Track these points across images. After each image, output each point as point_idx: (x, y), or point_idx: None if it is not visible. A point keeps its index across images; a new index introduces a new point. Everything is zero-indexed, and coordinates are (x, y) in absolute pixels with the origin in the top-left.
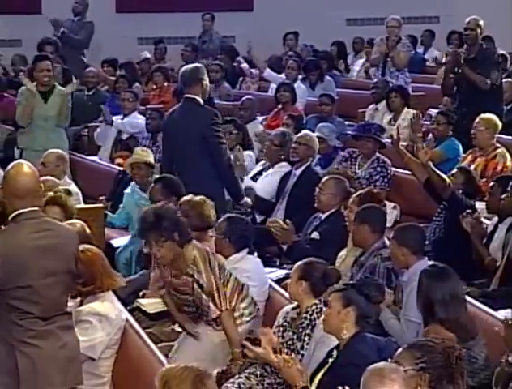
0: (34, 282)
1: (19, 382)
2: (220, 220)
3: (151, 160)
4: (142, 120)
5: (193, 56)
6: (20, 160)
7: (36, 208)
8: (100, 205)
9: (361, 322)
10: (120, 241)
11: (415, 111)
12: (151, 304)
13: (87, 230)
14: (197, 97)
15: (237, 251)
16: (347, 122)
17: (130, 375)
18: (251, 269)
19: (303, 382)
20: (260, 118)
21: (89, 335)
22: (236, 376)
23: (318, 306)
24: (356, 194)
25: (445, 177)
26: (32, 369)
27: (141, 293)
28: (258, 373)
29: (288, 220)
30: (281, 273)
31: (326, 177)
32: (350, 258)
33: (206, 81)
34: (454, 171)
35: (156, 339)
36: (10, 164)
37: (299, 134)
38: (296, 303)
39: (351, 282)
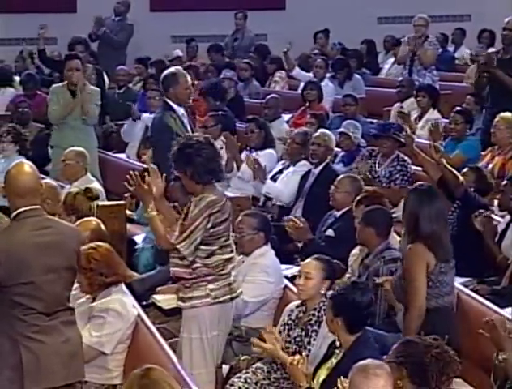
0: (36, 278)
1: (22, 376)
2: (241, 218)
3: None
4: None
5: (218, 57)
6: (21, 160)
7: (37, 206)
8: (122, 202)
9: (354, 328)
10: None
11: (439, 116)
12: (167, 300)
13: (103, 227)
14: (169, 101)
15: (264, 244)
16: (375, 121)
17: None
18: (271, 265)
19: (307, 382)
20: (288, 116)
21: (102, 331)
22: (244, 371)
23: (325, 303)
24: (360, 195)
25: (458, 175)
26: (36, 363)
27: (158, 289)
28: (265, 368)
29: (301, 218)
30: (296, 270)
31: (342, 176)
32: (361, 256)
33: (183, 85)
34: (465, 169)
35: (170, 334)
36: (12, 164)
37: (315, 134)
38: (300, 301)
39: (339, 289)
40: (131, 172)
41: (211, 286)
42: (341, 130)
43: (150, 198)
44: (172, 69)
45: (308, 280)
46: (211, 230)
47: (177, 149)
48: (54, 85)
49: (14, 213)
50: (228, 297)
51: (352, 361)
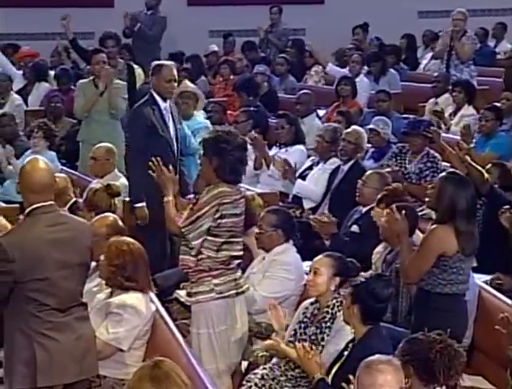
0: (51, 274)
1: (35, 372)
2: (263, 214)
3: (200, 92)
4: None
5: (253, 53)
6: (36, 156)
7: (52, 202)
8: None
9: (368, 319)
10: None
11: (474, 112)
12: None
13: (120, 223)
14: (154, 93)
15: (285, 242)
16: (409, 117)
17: None
18: (292, 263)
19: (320, 373)
20: (323, 112)
21: (119, 328)
22: (261, 367)
23: (338, 300)
24: (381, 193)
25: (484, 172)
26: (49, 360)
27: (181, 285)
28: (282, 364)
29: (326, 212)
30: None
31: (370, 171)
32: (385, 253)
33: (164, 78)
34: (489, 166)
35: None
36: (26, 160)
37: (347, 131)
38: (314, 298)
39: (363, 279)
40: (154, 159)
41: (215, 281)
42: (370, 126)
43: (171, 186)
44: (162, 61)
45: (317, 276)
46: (219, 220)
47: (213, 137)
48: (80, 80)
49: (29, 209)
50: (234, 291)
51: (362, 352)
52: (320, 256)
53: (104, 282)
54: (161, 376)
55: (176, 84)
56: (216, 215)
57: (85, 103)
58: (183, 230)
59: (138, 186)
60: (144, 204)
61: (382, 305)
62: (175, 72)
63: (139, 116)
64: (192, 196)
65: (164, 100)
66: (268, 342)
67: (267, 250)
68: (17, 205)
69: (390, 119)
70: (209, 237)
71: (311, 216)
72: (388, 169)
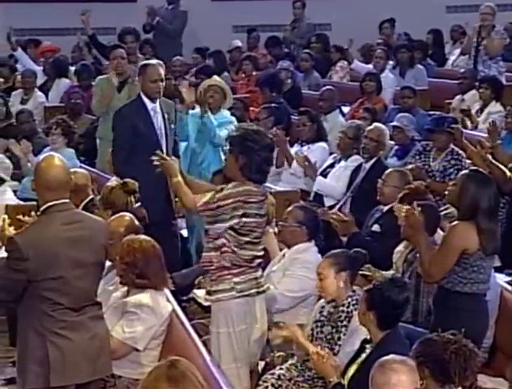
0: (65, 273)
1: (48, 371)
2: (290, 208)
3: (228, 88)
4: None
5: (277, 49)
6: (51, 153)
7: (67, 200)
8: None
9: (385, 325)
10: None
11: (501, 109)
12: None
13: (136, 223)
14: (142, 93)
15: (307, 241)
16: (438, 113)
17: None
18: (313, 262)
19: (337, 377)
20: (347, 109)
21: (135, 327)
22: (278, 367)
23: (354, 298)
24: (402, 192)
25: (506, 170)
26: (62, 360)
27: (197, 281)
28: (299, 365)
29: (346, 212)
30: None
31: (390, 170)
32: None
33: (149, 78)
34: (511, 164)
35: (208, 330)
36: (41, 157)
37: (369, 128)
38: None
39: (377, 283)
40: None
41: (235, 279)
42: (394, 123)
43: (174, 167)
44: (148, 61)
45: (322, 281)
46: (244, 219)
47: (241, 135)
48: (98, 77)
49: (44, 207)
50: (255, 290)
51: (380, 355)
52: (321, 260)
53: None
54: (178, 376)
55: (163, 84)
56: (239, 212)
57: (101, 99)
58: (200, 208)
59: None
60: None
61: (398, 311)
62: (161, 71)
63: (122, 117)
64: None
65: (152, 100)
66: (285, 332)
67: (288, 245)
68: (34, 203)
69: (414, 116)
70: (233, 234)
71: (331, 211)
72: (411, 167)
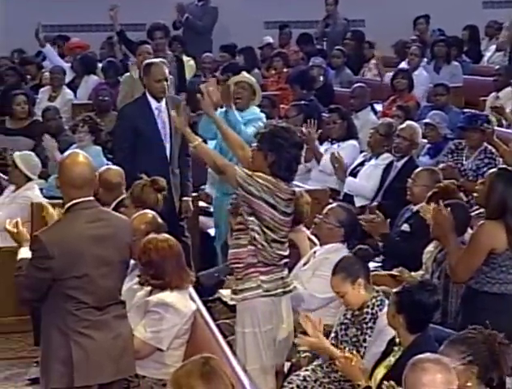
0: (89, 271)
1: (72, 371)
2: (333, 205)
3: (257, 84)
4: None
5: (308, 47)
6: (76, 150)
7: (92, 198)
8: (194, 194)
9: (415, 328)
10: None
11: None
12: None
13: (159, 220)
14: (147, 93)
15: (342, 242)
16: (472, 110)
17: None
18: None
19: (366, 381)
20: (379, 106)
21: (157, 327)
22: (303, 368)
23: (378, 299)
24: (431, 191)
25: None
26: (86, 359)
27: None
28: (325, 366)
29: (378, 212)
30: (372, 266)
31: (420, 168)
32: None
33: (154, 77)
34: None
35: (233, 330)
36: (65, 154)
37: (401, 126)
38: None
39: (407, 286)
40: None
41: (262, 277)
42: (426, 120)
43: (192, 137)
44: (152, 60)
45: (343, 298)
46: (273, 211)
47: (271, 132)
48: (125, 74)
49: (68, 205)
50: (281, 290)
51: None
52: (331, 277)
53: None
54: (211, 373)
55: (167, 83)
56: (270, 200)
57: (124, 95)
58: (237, 174)
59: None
60: None
61: (429, 315)
62: (165, 71)
63: (123, 117)
64: None
65: (157, 99)
66: (312, 340)
67: (321, 242)
68: (60, 201)
69: (447, 114)
70: (263, 228)
71: (361, 217)
72: (442, 165)
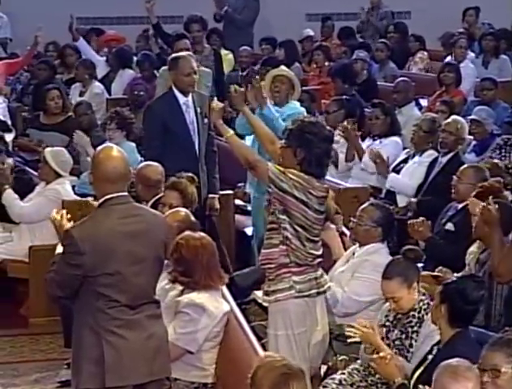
0: (122, 268)
1: (104, 371)
2: (365, 205)
3: (296, 78)
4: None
5: (350, 40)
6: (109, 144)
7: (125, 193)
8: (229, 192)
9: (456, 321)
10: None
11: None
12: None
13: (193, 218)
14: (174, 88)
15: (380, 241)
16: None
17: (231, 368)
18: (384, 264)
19: (401, 378)
20: (425, 102)
21: (186, 328)
22: (339, 372)
23: (425, 302)
24: (476, 190)
25: None
26: (118, 359)
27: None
28: (362, 369)
29: (422, 218)
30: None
31: (466, 166)
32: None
33: (182, 71)
34: None
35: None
36: (99, 148)
37: (446, 121)
38: None
39: (454, 279)
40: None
41: (295, 278)
42: (472, 116)
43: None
44: (179, 53)
45: (397, 303)
46: (306, 209)
47: (299, 127)
48: (163, 67)
49: (101, 200)
50: (315, 291)
51: (447, 356)
52: (385, 282)
53: None
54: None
55: (196, 76)
56: (303, 197)
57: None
58: (269, 170)
59: None
60: None
61: (472, 308)
62: (194, 64)
63: (151, 113)
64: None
65: (185, 94)
66: (365, 330)
67: (360, 244)
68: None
69: (494, 109)
70: (296, 227)
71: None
72: (488, 162)
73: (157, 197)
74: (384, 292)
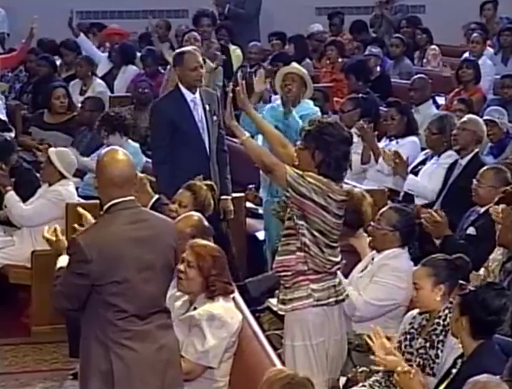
0: (130, 276)
1: (113, 384)
2: (384, 209)
3: (307, 76)
4: None
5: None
6: (114, 147)
7: (132, 198)
8: (241, 194)
9: (479, 333)
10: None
11: None
12: None
13: (206, 223)
14: (180, 84)
15: (400, 247)
16: None
17: (246, 378)
18: (405, 270)
19: None
20: (442, 99)
21: (205, 345)
22: (360, 384)
23: (451, 310)
24: (498, 196)
25: None
26: (127, 373)
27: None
28: (383, 382)
29: (441, 212)
30: None
31: (485, 168)
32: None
33: (188, 66)
34: None
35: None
36: (104, 151)
37: (462, 120)
38: None
39: (472, 288)
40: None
41: (313, 286)
42: (486, 117)
43: (239, 131)
44: (183, 48)
45: (417, 291)
46: (325, 214)
47: (317, 129)
48: None
49: (108, 205)
50: (333, 299)
51: (472, 369)
52: (417, 267)
53: None
54: None
55: (203, 71)
56: (322, 202)
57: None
58: (287, 174)
59: (168, 185)
60: None
61: (494, 318)
62: (200, 58)
63: (158, 112)
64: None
65: (192, 90)
66: (390, 358)
67: (378, 249)
68: (97, 201)
69: None
70: (315, 233)
71: (424, 210)
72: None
73: (153, 200)
74: (413, 275)
